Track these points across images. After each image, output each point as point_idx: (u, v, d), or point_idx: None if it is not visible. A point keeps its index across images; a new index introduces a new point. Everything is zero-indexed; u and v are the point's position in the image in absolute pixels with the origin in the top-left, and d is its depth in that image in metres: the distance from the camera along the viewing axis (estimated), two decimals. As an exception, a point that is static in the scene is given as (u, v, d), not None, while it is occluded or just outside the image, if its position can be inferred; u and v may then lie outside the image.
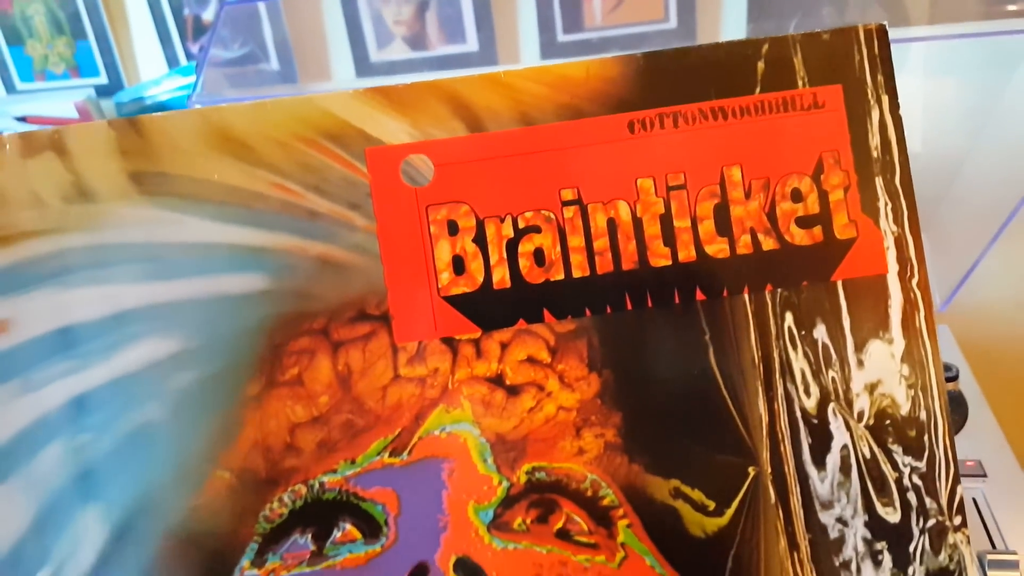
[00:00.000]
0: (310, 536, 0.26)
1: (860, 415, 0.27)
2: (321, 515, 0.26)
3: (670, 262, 0.26)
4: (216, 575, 0.26)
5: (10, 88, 0.85)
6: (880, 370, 0.27)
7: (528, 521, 0.26)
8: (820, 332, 0.27)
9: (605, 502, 0.26)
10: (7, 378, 0.26)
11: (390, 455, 0.26)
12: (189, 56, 0.84)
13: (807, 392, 0.27)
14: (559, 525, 0.26)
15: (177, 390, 0.26)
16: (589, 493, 0.26)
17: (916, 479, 0.27)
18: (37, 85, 0.84)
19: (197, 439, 0.26)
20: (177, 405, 0.26)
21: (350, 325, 0.26)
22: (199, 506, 0.26)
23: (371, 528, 0.26)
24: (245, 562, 0.26)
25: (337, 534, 0.26)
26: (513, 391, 0.26)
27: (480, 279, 0.26)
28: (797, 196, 0.27)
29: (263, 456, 0.26)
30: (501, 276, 0.26)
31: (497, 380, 0.26)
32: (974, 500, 0.45)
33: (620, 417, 0.26)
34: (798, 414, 0.26)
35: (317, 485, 0.26)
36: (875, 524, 0.26)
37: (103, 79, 0.84)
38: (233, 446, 0.26)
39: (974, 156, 0.62)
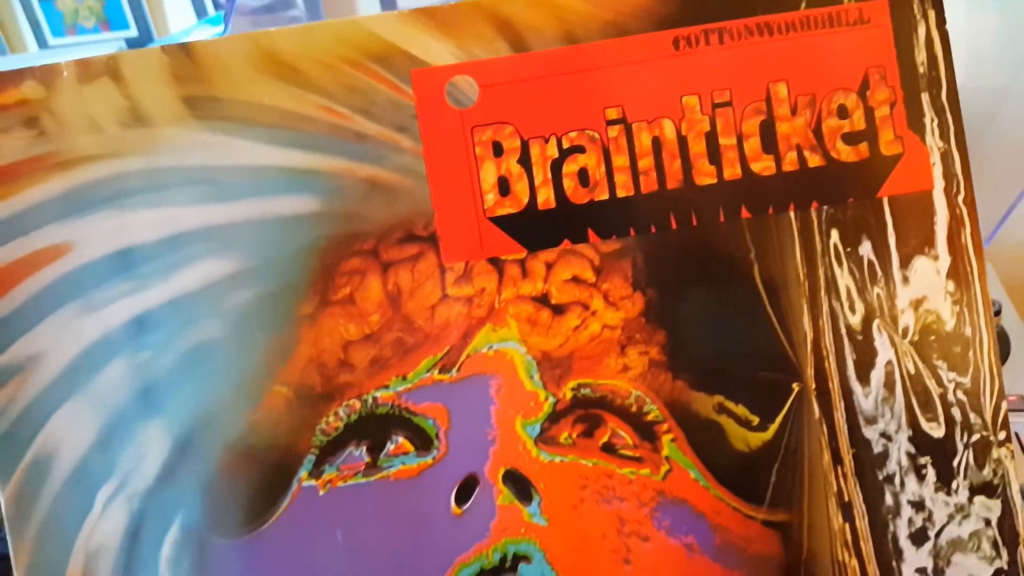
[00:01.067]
0: (365, 448, 0.27)
1: (905, 331, 0.27)
2: (375, 428, 0.27)
3: (715, 180, 0.27)
4: (275, 486, 0.27)
5: (42, 43, 0.86)
6: (925, 286, 0.27)
7: (574, 435, 0.27)
8: (866, 249, 0.27)
9: (650, 417, 0.27)
10: (70, 298, 0.27)
11: (439, 372, 0.27)
12: (217, 6, 0.85)
13: (852, 308, 0.27)
14: (604, 439, 0.27)
15: (234, 309, 0.27)
16: (634, 408, 0.27)
17: (960, 395, 0.27)
18: (68, 40, 0.85)
19: (254, 356, 0.27)
20: (234, 323, 0.27)
21: (399, 246, 0.27)
22: (258, 420, 0.27)
23: (423, 441, 0.27)
24: (303, 473, 0.27)
25: (390, 447, 0.27)
26: (558, 310, 0.27)
27: (525, 200, 0.27)
28: (843, 112, 0.27)
29: (318, 372, 0.27)
30: (546, 197, 0.27)
31: (543, 299, 0.27)
32: (1016, 435, 0.45)
33: (664, 335, 0.27)
34: (843, 330, 0.27)
35: (371, 400, 0.27)
36: (919, 439, 0.27)
37: (133, 32, 0.85)
38: (289, 362, 0.27)
39: (1017, 90, 0.61)
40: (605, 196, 0.27)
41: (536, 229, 0.27)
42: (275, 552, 0.27)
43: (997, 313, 0.51)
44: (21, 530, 0.27)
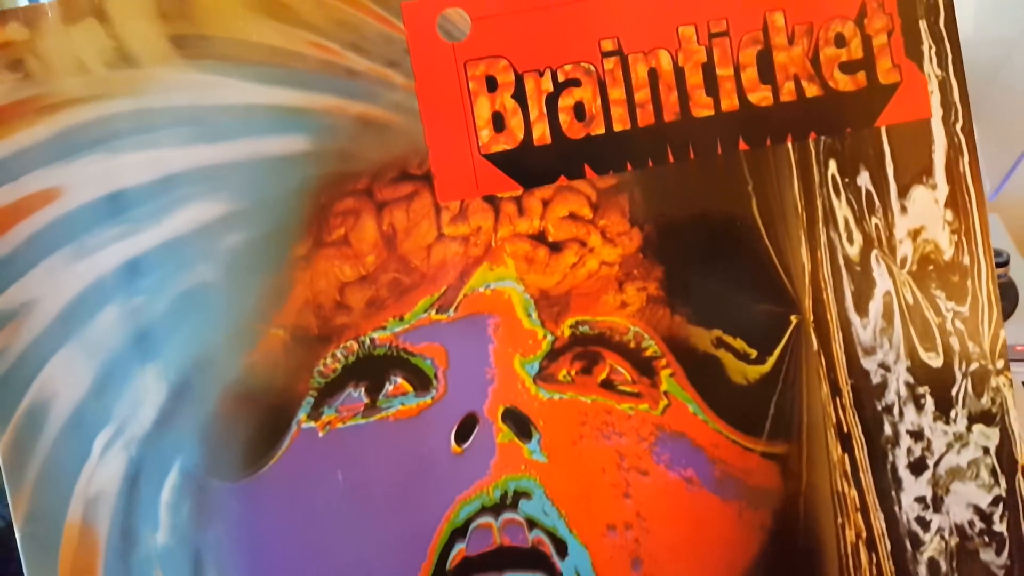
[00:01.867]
0: (363, 389, 0.28)
1: (903, 261, 0.28)
2: (373, 370, 0.28)
3: (712, 112, 0.28)
4: (274, 428, 0.28)
5: None
6: (923, 216, 0.28)
7: (573, 373, 0.28)
8: (863, 179, 0.28)
9: (648, 353, 0.28)
10: (61, 244, 0.28)
11: (437, 312, 0.28)
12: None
13: (850, 239, 0.28)
14: (603, 376, 0.28)
15: (227, 251, 0.28)
16: (632, 345, 0.28)
17: (959, 324, 0.28)
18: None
19: (249, 299, 0.28)
20: (228, 266, 0.28)
21: (393, 185, 0.28)
22: (255, 363, 0.28)
23: (421, 381, 0.28)
24: (302, 415, 0.28)
25: (389, 387, 0.28)
26: (556, 247, 0.28)
27: (520, 136, 0.28)
28: (840, 41, 0.28)
29: (315, 314, 0.28)
30: (541, 132, 0.28)
31: (539, 237, 0.28)
32: None
33: (662, 270, 0.28)
34: (841, 262, 0.28)
35: (368, 341, 0.28)
36: (917, 369, 0.28)
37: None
38: (285, 305, 0.28)
39: (1024, 38, 0.62)
40: (601, 130, 0.28)
41: (532, 165, 0.28)
42: (275, 494, 0.28)
43: (1005, 263, 0.52)
44: (19, 478, 0.28)
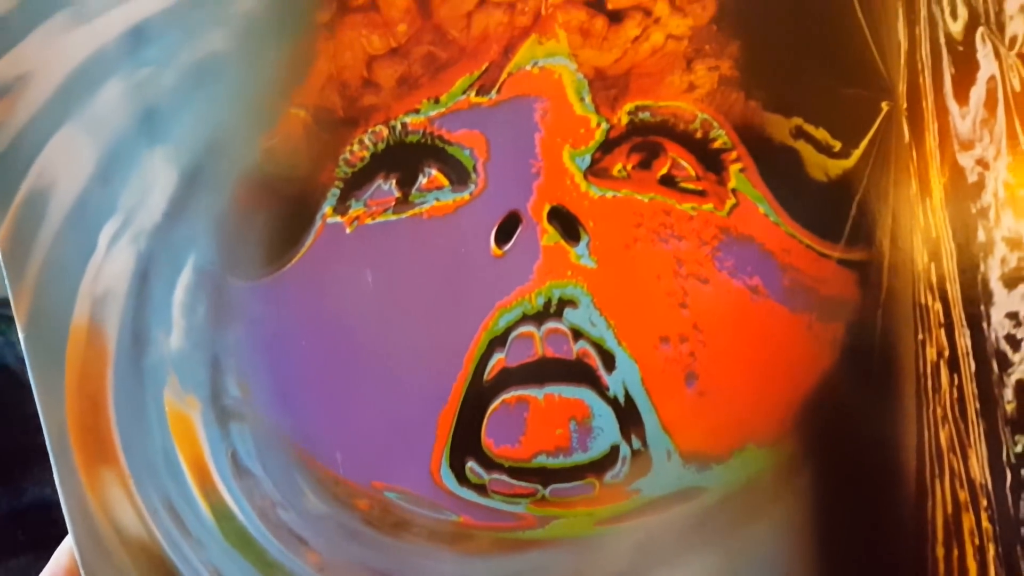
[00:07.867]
0: (394, 182, 0.26)
1: (1012, 41, 0.25)
2: (405, 159, 0.26)
3: None
4: (297, 222, 0.26)
5: None
6: (1043, -12, 0.25)
7: (629, 167, 0.26)
8: (975, -58, 0.24)
9: (716, 144, 0.25)
10: (57, 8, 0.25)
11: (477, 94, 0.25)
12: None
13: (953, 14, 0.25)
14: (663, 171, 0.26)
15: (241, 15, 0.25)
16: (699, 134, 0.25)
17: (1073, 115, 0.25)
18: None
19: (266, 72, 0.25)
20: (242, 33, 0.25)
21: (428, -60, 0.24)
22: (274, 147, 0.25)
23: (458, 174, 0.26)
24: (327, 208, 0.26)
25: (423, 180, 0.26)
26: (615, 17, 0.25)
27: None
28: None
29: (339, 92, 0.25)
30: None
31: (597, 4, 0.25)
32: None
33: (738, 46, 0.25)
34: (942, 40, 0.25)
35: (399, 126, 0.25)
36: (1021, 167, 0.25)
37: None
38: (306, 81, 0.25)
39: None
40: None
41: (590, -84, 0.24)
42: (299, 294, 0.26)
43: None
44: (20, 274, 0.26)
